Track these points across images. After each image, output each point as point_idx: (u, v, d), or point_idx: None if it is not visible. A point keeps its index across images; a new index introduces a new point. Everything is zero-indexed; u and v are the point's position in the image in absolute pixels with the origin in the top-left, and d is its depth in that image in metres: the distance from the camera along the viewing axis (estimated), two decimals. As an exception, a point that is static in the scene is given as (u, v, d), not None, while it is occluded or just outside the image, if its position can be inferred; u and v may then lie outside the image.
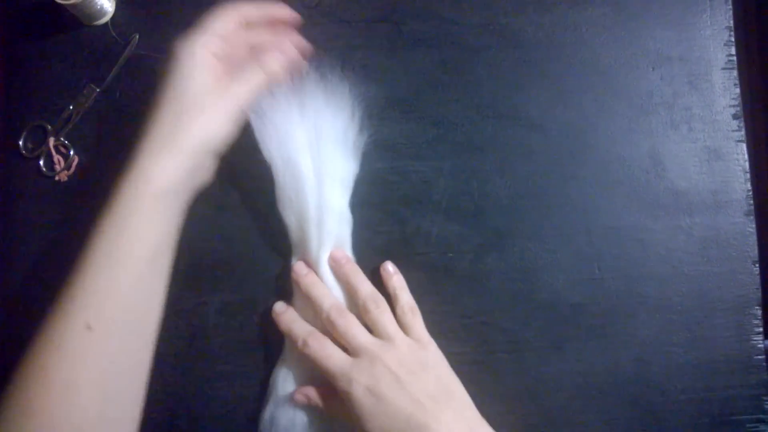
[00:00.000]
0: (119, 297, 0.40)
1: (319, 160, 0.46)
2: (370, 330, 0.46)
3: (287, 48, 0.47)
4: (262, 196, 0.50)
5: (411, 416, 0.41)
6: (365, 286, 0.47)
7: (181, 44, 0.45)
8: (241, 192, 0.51)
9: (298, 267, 0.48)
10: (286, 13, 0.49)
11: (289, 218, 0.47)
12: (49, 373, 0.37)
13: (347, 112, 0.47)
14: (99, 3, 0.52)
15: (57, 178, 0.52)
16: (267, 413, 0.47)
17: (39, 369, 0.38)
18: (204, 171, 0.45)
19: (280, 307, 0.48)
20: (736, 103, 0.52)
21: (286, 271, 0.50)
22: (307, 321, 0.47)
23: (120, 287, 0.40)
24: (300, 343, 0.45)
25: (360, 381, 0.42)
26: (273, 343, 0.50)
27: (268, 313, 0.50)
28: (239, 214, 0.51)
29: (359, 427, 0.42)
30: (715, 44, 0.53)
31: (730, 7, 0.53)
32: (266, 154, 0.47)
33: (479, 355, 0.50)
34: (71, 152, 0.52)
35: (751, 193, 0.52)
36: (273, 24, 0.49)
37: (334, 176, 0.46)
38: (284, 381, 0.47)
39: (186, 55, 0.44)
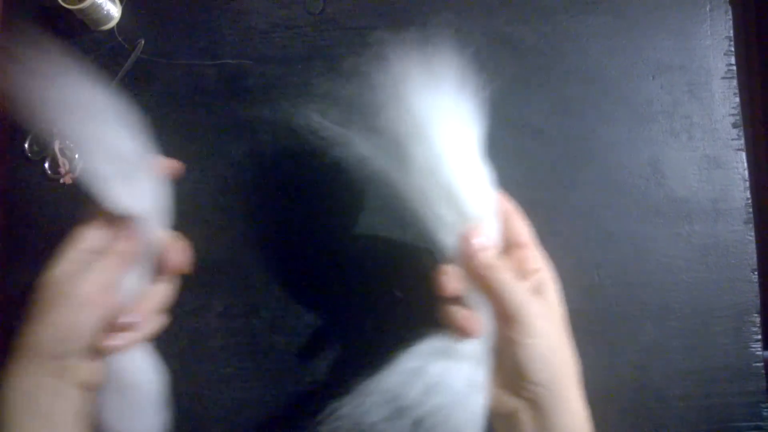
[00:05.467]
0: None
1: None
2: None
3: (133, 227, 0.42)
4: (264, 200, 0.50)
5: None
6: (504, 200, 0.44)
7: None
8: (244, 195, 0.52)
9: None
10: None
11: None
12: None
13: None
14: (105, 8, 0.53)
15: (62, 181, 0.53)
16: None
17: None
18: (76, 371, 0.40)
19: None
20: (736, 112, 0.53)
21: (287, 275, 0.51)
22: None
23: None
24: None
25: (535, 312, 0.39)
26: (275, 348, 0.50)
27: (269, 317, 0.50)
28: (242, 217, 0.52)
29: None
30: (715, 53, 0.53)
31: (730, 17, 0.53)
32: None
33: (479, 360, 0.50)
34: (77, 155, 0.53)
35: (750, 201, 0.52)
36: None
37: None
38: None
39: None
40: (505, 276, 0.39)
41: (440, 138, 0.40)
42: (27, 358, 0.40)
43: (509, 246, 0.43)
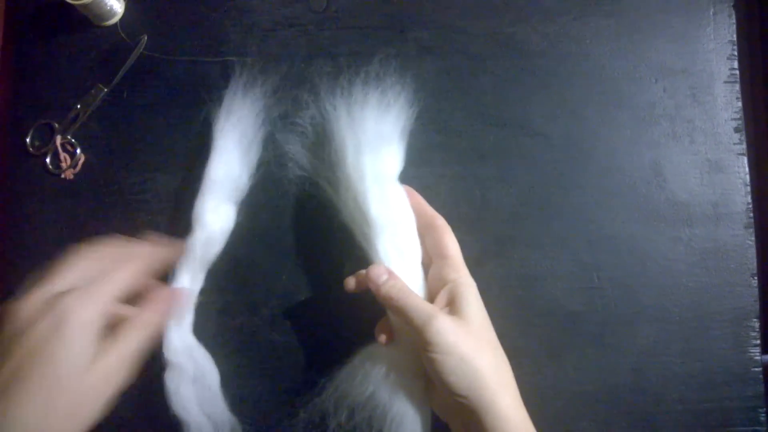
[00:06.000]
0: None
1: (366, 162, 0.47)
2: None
3: (164, 295, 0.42)
4: (266, 197, 0.50)
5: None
6: (432, 210, 0.48)
7: (65, 303, 0.35)
8: (246, 193, 0.52)
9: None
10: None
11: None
12: None
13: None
14: (108, 4, 0.53)
15: (63, 176, 0.53)
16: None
17: None
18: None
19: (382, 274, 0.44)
20: (738, 116, 0.53)
21: (288, 272, 0.51)
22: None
23: None
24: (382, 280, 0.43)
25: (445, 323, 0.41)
26: (274, 346, 0.50)
27: (269, 315, 0.50)
28: (242, 214, 0.52)
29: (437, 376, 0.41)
30: (718, 58, 0.53)
31: (734, 21, 0.53)
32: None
33: (477, 361, 0.51)
34: (78, 151, 0.53)
35: (751, 206, 0.52)
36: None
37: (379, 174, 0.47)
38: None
39: (70, 320, 0.35)
40: (407, 300, 0.42)
41: (359, 164, 0.46)
42: None
43: (436, 257, 0.46)
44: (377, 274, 0.44)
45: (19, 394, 0.33)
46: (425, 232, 0.47)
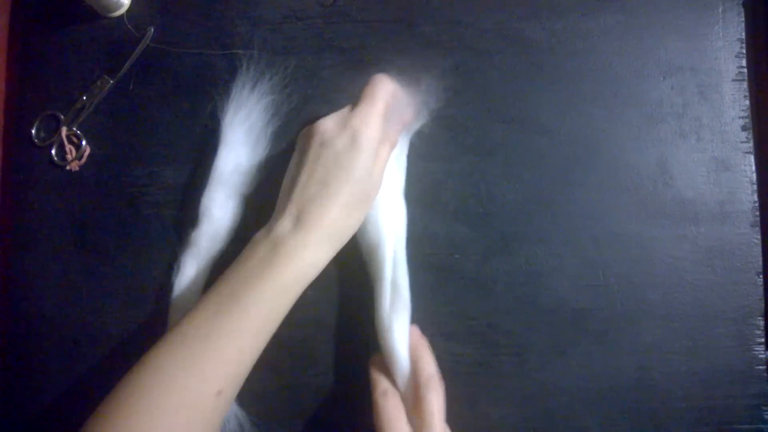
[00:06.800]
0: (246, 366, 0.43)
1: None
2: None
3: (405, 111, 0.48)
4: (269, 191, 0.50)
5: None
6: (430, 367, 0.46)
7: (360, 123, 0.44)
8: (250, 193, 0.52)
9: None
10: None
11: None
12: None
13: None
14: (115, -5, 0.52)
15: (68, 167, 0.53)
16: None
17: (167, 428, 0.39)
18: None
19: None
20: (746, 114, 0.53)
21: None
22: None
23: (250, 357, 0.43)
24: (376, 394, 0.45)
25: None
26: (281, 339, 0.50)
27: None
28: (247, 208, 0.52)
29: None
30: (727, 56, 0.53)
31: (743, 19, 0.53)
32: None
33: (482, 356, 0.51)
34: (83, 142, 0.53)
35: (757, 204, 0.52)
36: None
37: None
38: None
39: (367, 140, 0.44)
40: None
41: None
42: (332, 246, 0.44)
43: (415, 384, 0.45)
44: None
45: (328, 191, 0.43)
46: (413, 383, 0.45)
